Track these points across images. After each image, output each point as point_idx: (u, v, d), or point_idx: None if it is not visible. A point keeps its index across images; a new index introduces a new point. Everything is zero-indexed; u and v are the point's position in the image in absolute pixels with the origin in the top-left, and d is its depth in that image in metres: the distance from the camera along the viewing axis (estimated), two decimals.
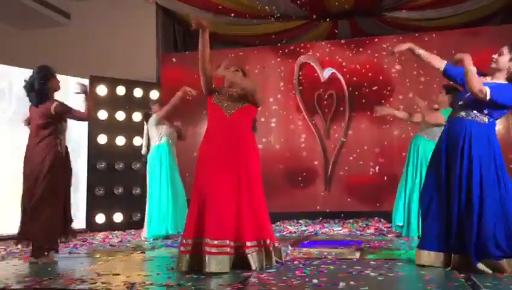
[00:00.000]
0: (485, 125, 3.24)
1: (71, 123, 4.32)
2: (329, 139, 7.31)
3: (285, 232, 5.80)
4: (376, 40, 7.28)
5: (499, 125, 6.69)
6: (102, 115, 6.85)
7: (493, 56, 3.29)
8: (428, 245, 3.31)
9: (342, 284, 2.72)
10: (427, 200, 3.39)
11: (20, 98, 6.08)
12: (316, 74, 7.38)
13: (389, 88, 7.07)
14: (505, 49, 3.27)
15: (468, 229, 3.11)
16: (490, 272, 3.02)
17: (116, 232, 6.34)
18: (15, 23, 7.92)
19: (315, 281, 2.83)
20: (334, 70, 7.29)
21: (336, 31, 7.97)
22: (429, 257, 3.28)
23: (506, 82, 3.25)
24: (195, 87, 7.50)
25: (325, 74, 7.30)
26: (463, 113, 3.30)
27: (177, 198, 5.50)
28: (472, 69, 3.14)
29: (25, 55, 7.55)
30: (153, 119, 5.67)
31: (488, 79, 3.30)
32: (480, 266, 3.04)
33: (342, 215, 6.99)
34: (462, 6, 7.18)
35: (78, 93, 4.15)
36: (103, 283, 2.96)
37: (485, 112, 3.24)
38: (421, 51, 3.42)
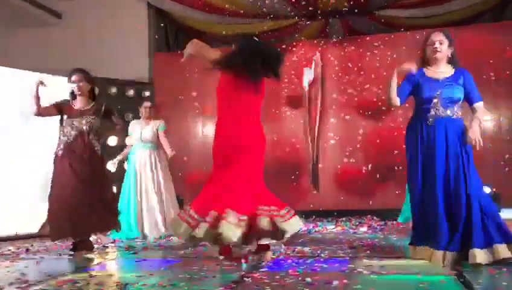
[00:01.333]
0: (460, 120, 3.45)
1: None
2: (322, 138, 7.31)
3: None
4: (368, 38, 7.30)
5: (490, 123, 6.74)
6: None
7: (436, 46, 3.44)
8: (419, 241, 3.41)
9: (335, 282, 2.73)
10: (417, 197, 3.45)
11: (10, 98, 6.08)
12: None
13: (381, 86, 7.08)
14: (443, 37, 3.45)
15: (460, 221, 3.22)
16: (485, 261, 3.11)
17: (109, 232, 6.30)
18: (5, 23, 7.86)
19: (308, 279, 2.83)
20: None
21: (328, 30, 7.98)
22: (422, 252, 3.37)
23: (451, 68, 3.48)
24: (188, 86, 7.57)
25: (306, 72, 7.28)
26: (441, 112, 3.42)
27: (138, 202, 5.59)
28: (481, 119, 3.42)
29: (16, 55, 7.50)
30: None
31: (433, 69, 3.49)
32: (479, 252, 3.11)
33: (335, 213, 7.01)
34: (453, 4, 7.21)
35: None
36: (96, 283, 2.95)
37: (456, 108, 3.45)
38: None
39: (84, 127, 4.30)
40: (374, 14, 7.70)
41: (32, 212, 6.03)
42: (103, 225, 4.35)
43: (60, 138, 4.35)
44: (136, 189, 5.63)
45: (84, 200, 4.16)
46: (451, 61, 3.50)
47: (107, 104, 4.55)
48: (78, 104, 4.38)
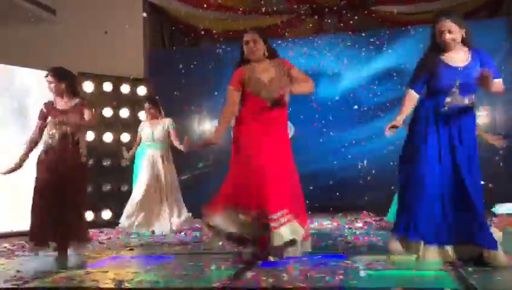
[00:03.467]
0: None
1: None
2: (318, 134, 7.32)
3: None
4: (363, 34, 7.29)
5: (486, 119, 6.76)
6: None
7: (445, 38, 3.18)
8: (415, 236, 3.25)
9: (330, 278, 2.73)
10: (417, 191, 3.26)
11: (4, 96, 6.05)
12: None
13: (376, 82, 7.09)
14: (450, 24, 3.18)
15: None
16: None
17: (104, 229, 6.30)
18: None
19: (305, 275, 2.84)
20: None
21: (324, 26, 7.97)
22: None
23: (467, 50, 3.26)
24: (184, 83, 7.54)
25: None
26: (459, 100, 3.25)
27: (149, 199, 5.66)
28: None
29: (9, 51, 7.44)
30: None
31: (450, 54, 3.24)
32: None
33: (331, 209, 7.01)
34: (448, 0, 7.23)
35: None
36: (92, 280, 2.95)
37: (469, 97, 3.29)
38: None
39: (68, 129, 4.07)
40: (370, 9, 7.69)
41: (27, 210, 6.01)
42: (73, 235, 4.06)
43: (45, 140, 4.15)
44: (148, 186, 5.63)
45: (56, 208, 3.97)
46: (465, 40, 3.25)
47: (86, 99, 4.31)
48: (59, 104, 4.18)
